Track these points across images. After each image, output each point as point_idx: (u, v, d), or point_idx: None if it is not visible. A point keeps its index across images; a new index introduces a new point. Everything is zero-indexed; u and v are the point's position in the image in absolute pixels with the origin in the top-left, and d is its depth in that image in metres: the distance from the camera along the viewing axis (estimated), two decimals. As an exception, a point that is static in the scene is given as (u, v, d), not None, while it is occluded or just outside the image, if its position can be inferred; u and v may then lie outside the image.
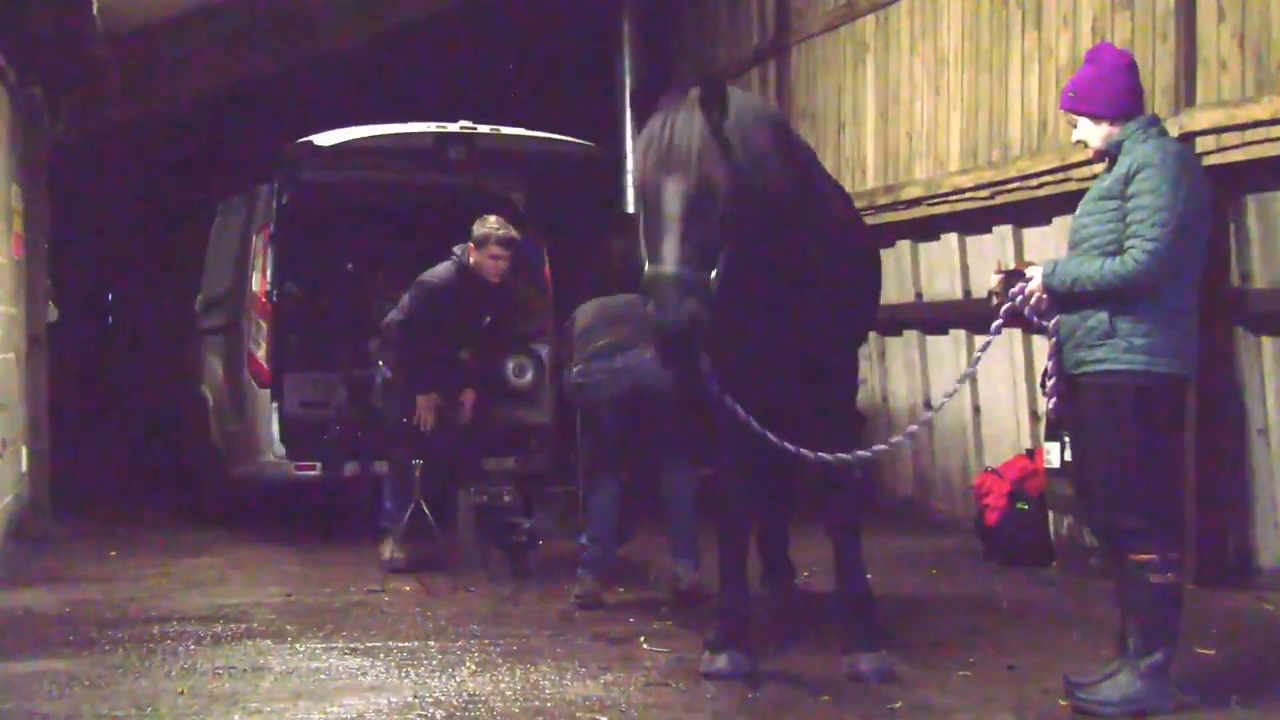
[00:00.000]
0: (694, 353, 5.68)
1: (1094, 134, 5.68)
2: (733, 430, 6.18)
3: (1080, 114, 5.70)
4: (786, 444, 5.95)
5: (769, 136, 6.05)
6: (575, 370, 8.06)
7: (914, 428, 6.48)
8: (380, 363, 9.45)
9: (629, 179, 12.44)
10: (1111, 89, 5.63)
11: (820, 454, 5.96)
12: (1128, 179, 5.47)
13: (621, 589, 8.18)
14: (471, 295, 9.15)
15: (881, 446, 6.45)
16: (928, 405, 11.07)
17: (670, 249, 5.57)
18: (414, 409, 9.02)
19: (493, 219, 9.05)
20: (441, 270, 9.15)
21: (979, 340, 10.29)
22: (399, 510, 9.06)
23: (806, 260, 6.14)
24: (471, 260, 9.01)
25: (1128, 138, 5.58)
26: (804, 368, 6.27)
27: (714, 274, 5.59)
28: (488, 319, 9.54)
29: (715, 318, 5.59)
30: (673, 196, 5.62)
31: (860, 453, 6.07)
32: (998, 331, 5.88)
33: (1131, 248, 5.40)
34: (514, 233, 9.08)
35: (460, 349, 9.53)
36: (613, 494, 8.02)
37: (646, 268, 5.65)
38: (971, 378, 10.48)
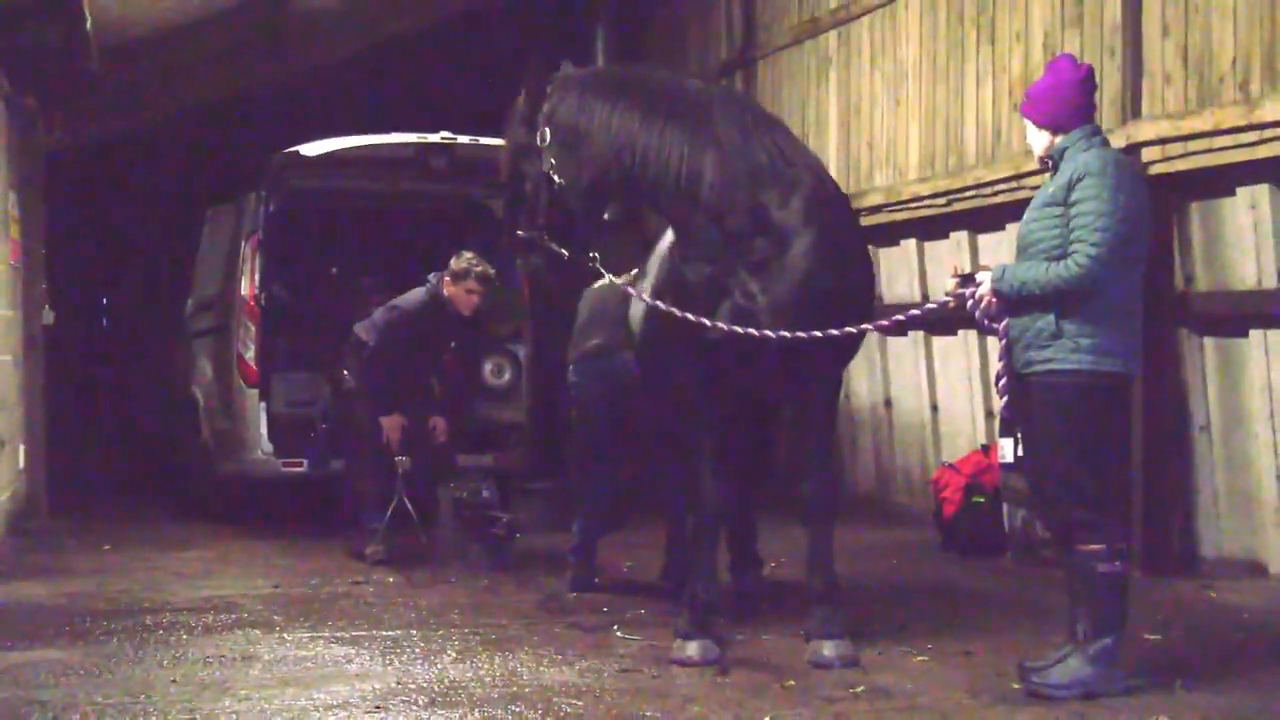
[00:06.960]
0: (553, 284, 7.00)
1: (1040, 140, 5.76)
2: (710, 412, 6.40)
3: (1030, 119, 5.78)
4: (732, 327, 6.07)
5: (629, 118, 6.22)
6: (569, 368, 8.10)
7: (946, 297, 6.15)
8: (345, 372, 9.42)
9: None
10: (1059, 100, 5.69)
11: (828, 332, 6.01)
12: (1070, 186, 5.52)
13: (597, 579, 8.20)
14: (441, 325, 9.16)
15: (915, 311, 6.45)
16: (888, 404, 11.13)
17: (508, 216, 6.67)
18: (378, 424, 9.04)
19: (469, 254, 9.06)
20: (414, 297, 9.16)
21: (936, 341, 10.41)
22: (377, 510, 9.04)
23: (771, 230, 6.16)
24: (446, 292, 9.02)
25: (1070, 146, 5.64)
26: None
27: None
28: (453, 345, 9.51)
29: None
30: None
31: (865, 326, 6.25)
32: (923, 312, 6.32)
33: (1075, 252, 5.45)
34: (491, 270, 9.05)
35: (426, 374, 9.51)
36: (604, 482, 8.10)
37: None
38: (930, 378, 10.58)
